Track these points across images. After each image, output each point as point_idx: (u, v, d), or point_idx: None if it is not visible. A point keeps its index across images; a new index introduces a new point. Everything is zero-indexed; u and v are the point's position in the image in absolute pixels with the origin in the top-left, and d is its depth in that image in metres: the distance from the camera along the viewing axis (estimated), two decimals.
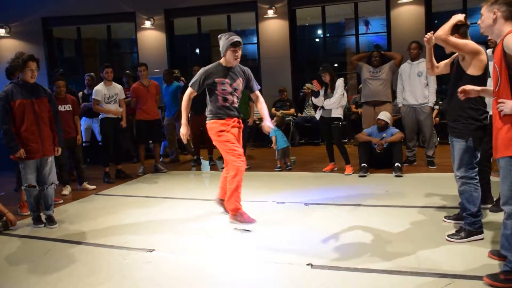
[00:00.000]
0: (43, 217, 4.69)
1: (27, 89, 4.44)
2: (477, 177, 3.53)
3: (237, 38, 4.10)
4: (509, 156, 2.68)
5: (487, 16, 2.80)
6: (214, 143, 4.35)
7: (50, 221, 4.65)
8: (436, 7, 9.53)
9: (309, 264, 3.20)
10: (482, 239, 3.49)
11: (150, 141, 7.49)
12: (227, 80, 4.20)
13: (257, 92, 4.47)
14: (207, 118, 4.35)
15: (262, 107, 4.42)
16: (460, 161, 3.51)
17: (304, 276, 3.05)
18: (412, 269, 3.02)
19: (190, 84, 4.33)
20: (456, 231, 3.60)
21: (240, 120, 4.41)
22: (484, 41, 4.55)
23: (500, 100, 2.70)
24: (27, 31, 10.62)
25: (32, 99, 4.45)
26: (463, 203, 3.62)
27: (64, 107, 5.92)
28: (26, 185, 4.53)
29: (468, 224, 3.53)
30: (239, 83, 4.28)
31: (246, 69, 4.39)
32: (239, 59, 4.19)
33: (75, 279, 3.22)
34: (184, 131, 4.28)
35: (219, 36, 4.24)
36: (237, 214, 4.16)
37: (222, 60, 4.23)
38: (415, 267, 3.07)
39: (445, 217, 4.05)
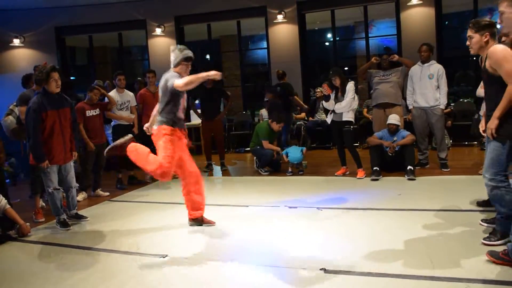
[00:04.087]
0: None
1: (54, 99, 4.68)
2: (508, 180, 3.33)
3: (190, 54, 4.25)
4: None
5: (509, 12, 2.88)
6: (157, 144, 4.21)
7: (79, 217, 5.04)
8: (446, 8, 9.48)
9: (322, 268, 3.19)
10: None
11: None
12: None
13: None
14: (160, 123, 4.21)
15: None
16: (491, 162, 3.34)
17: (317, 281, 3.04)
18: (427, 274, 3.00)
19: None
20: (490, 233, 3.49)
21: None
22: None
23: None
24: (40, 40, 10.77)
25: (59, 109, 4.70)
26: (496, 207, 3.43)
27: (96, 111, 6.17)
28: (52, 188, 4.71)
29: (500, 225, 3.41)
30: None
31: None
32: (188, 74, 4.22)
33: (90, 285, 3.25)
34: None
35: (172, 48, 4.31)
36: None
37: (177, 71, 4.23)
38: (430, 271, 3.04)
39: (482, 220, 3.93)
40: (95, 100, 6.20)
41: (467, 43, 3.46)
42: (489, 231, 3.56)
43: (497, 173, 3.31)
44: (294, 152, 6.90)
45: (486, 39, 3.32)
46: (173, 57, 4.26)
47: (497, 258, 3.04)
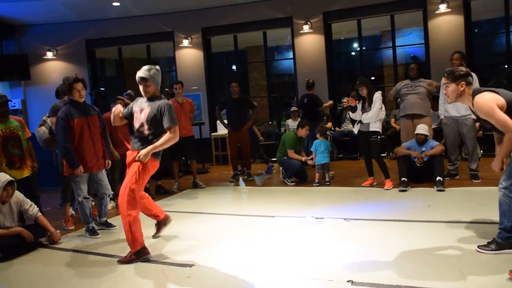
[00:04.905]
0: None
1: (80, 108, 4.79)
2: None
3: (140, 74, 3.99)
4: None
5: None
6: None
7: (108, 225, 5.14)
8: (476, 16, 9.30)
9: (349, 280, 3.15)
10: None
11: (183, 158, 7.54)
12: (137, 108, 4.14)
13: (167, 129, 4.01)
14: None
15: (160, 140, 3.97)
16: (510, 172, 3.40)
17: None
18: (459, 287, 2.91)
19: None
20: (487, 242, 3.53)
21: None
22: None
23: None
24: (72, 53, 11.08)
25: (86, 117, 4.80)
26: (500, 217, 3.50)
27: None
28: (82, 197, 4.81)
29: (500, 238, 3.45)
30: (146, 112, 4.03)
31: (163, 104, 4.02)
32: (148, 94, 4.06)
33: None
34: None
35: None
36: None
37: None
38: (461, 285, 2.96)
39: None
40: None
41: (444, 91, 3.62)
42: None
43: None
44: (321, 152, 6.83)
45: (462, 89, 3.44)
46: None
47: None
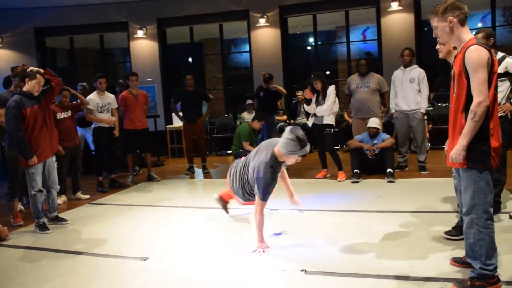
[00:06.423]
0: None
1: (32, 97, 4.64)
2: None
3: (307, 151, 3.64)
4: (469, 167, 2.71)
5: (442, 26, 2.78)
6: None
7: (60, 219, 5.02)
8: (425, 15, 9.65)
9: (303, 270, 3.23)
10: None
11: (138, 150, 7.46)
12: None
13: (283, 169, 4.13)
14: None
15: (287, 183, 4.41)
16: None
17: (298, 282, 3.07)
18: (406, 274, 3.06)
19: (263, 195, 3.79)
20: (452, 227, 3.69)
21: None
22: None
23: None
24: (19, 41, 10.61)
25: (39, 104, 4.68)
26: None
27: (67, 114, 6.01)
28: (36, 189, 4.66)
29: (462, 220, 3.40)
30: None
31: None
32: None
33: None
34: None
35: (290, 135, 3.60)
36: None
37: (280, 156, 3.71)
38: (409, 271, 3.10)
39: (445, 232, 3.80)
40: (66, 102, 6.05)
41: (437, 46, 3.51)
42: None
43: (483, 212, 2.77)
44: None
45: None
46: (288, 144, 3.59)
47: (460, 263, 3.12)
